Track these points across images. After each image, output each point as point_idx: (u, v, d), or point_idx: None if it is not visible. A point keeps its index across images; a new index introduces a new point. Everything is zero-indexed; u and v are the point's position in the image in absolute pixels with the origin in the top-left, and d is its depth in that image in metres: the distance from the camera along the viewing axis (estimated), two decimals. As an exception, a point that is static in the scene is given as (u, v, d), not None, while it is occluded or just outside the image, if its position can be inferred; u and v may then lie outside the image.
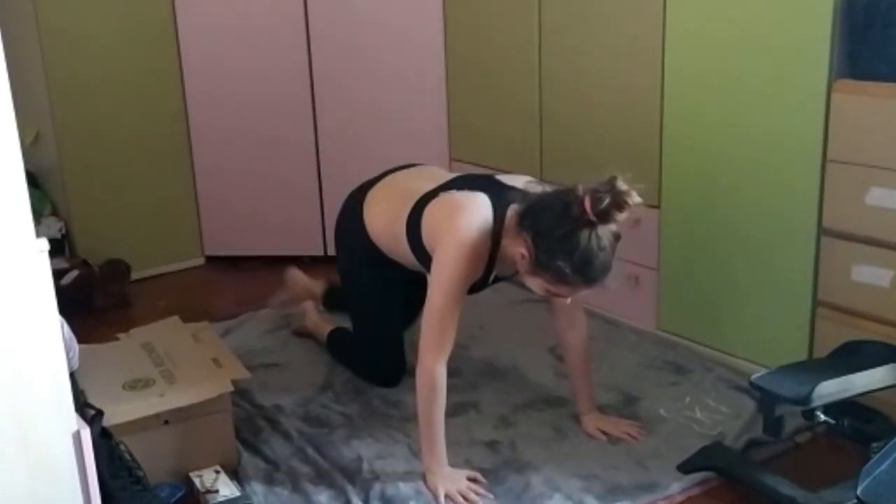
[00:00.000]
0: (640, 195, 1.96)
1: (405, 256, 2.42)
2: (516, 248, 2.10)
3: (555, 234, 2.01)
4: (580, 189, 1.99)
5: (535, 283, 2.11)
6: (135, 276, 3.45)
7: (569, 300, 2.16)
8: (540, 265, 2.05)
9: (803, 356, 2.48)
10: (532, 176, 2.40)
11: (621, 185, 1.95)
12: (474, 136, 3.44)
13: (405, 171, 2.60)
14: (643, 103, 2.78)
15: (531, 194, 2.16)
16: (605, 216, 1.97)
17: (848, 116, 2.29)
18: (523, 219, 2.10)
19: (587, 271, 2.02)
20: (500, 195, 2.21)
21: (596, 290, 2.09)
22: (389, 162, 2.66)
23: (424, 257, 2.31)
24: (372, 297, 2.64)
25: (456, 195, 2.28)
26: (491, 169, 3.18)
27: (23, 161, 1.44)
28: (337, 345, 2.84)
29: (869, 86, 2.27)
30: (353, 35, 3.46)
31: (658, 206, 2.80)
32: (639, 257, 2.87)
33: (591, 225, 1.98)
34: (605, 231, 2.00)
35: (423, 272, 2.35)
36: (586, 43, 2.93)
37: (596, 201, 1.96)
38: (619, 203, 1.95)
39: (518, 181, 2.29)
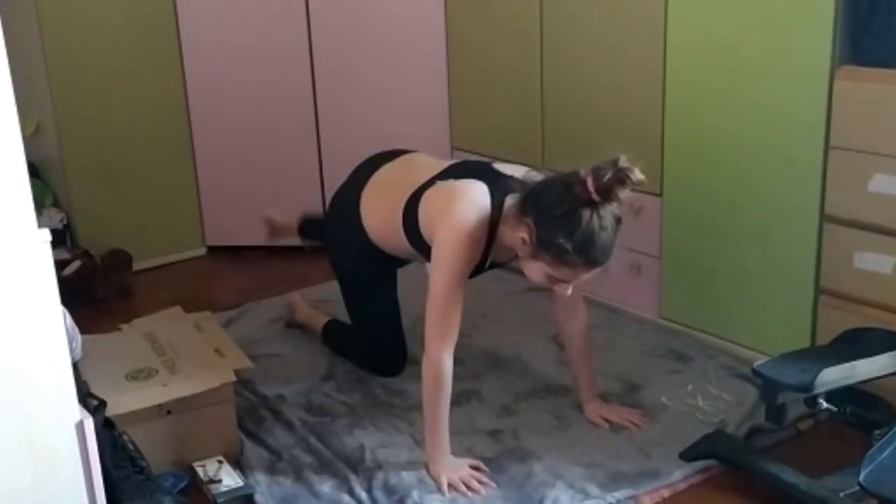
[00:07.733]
0: (643, 173, 1.96)
1: (401, 248, 2.42)
2: (516, 234, 2.09)
3: (556, 211, 2.01)
4: (582, 171, 2.00)
5: (536, 269, 2.10)
6: (136, 266, 3.44)
7: (569, 290, 2.15)
8: (542, 246, 2.04)
9: (805, 343, 2.48)
10: (533, 163, 2.40)
11: (624, 161, 1.96)
12: (475, 121, 3.43)
13: (392, 164, 2.55)
14: (646, 92, 2.77)
15: (531, 182, 2.16)
16: (607, 193, 1.97)
17: (851, 103, 2.29)
18: (525, 203, 2.10)
19: (588, 251, 2.01)
20: (497, 183, 2.21)
21: (597, 274, 2.09)
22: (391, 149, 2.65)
23: (422, 246, 2.31)
24: (368, 291, 2.64)
25: (453, 182, 2.27)
26: (491, 155, 3.19)
27: (24, 152, 1.44)
28: (334, 337, 2.83)
29: (872, 72, 2.26)
30: (353, 21, 3.45)
31: (660, 195, 2.79)
32: (641, 245, 2.87)
33: (594, 204, 1.99)
34: (607, 212, 2.00)
35: (421, 261, 2.34)
36: (589, 29, 2.92)
37: (598, 178, 1.96)
38: (621, 179, 1.95)
39: (516, 171, 2.28)
